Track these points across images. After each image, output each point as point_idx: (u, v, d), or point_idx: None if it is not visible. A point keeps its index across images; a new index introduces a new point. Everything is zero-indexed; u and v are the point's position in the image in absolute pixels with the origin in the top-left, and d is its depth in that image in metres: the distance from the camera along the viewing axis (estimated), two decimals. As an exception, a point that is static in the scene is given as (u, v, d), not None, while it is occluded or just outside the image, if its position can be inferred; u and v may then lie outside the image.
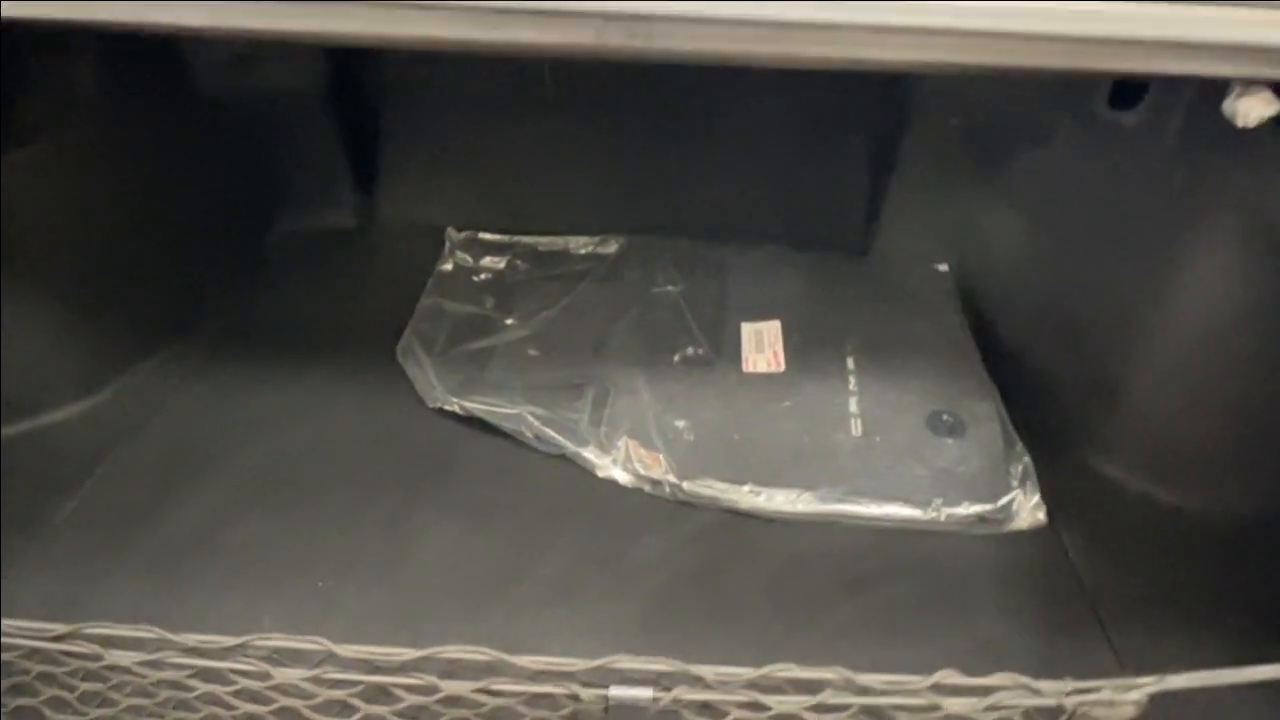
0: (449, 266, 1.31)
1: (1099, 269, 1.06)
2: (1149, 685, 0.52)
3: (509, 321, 1.21)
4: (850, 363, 1.12)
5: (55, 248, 1.03)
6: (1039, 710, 0.53)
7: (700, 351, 1.15)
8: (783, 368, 1.11)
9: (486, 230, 1.37)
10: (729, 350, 1.15)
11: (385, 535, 0.94)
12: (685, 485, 0.98)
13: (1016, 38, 0.49)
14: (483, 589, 0.88)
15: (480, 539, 0.94)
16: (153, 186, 1.12)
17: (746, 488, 0.98)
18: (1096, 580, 0.92)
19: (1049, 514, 0.98)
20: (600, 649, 0.82)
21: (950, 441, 1.02)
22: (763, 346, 1.14)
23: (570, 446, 1.02)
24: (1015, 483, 1.00)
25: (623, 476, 1.00)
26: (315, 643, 0.53)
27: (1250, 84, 0.53)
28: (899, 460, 1.01)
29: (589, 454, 1.01)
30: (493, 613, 0.86)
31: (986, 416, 1.05)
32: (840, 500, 0.97)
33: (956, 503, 0.97)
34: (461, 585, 0.89)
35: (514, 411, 1.05)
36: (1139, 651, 0.85)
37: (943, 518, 0.96)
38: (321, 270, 1.32)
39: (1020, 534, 0.97)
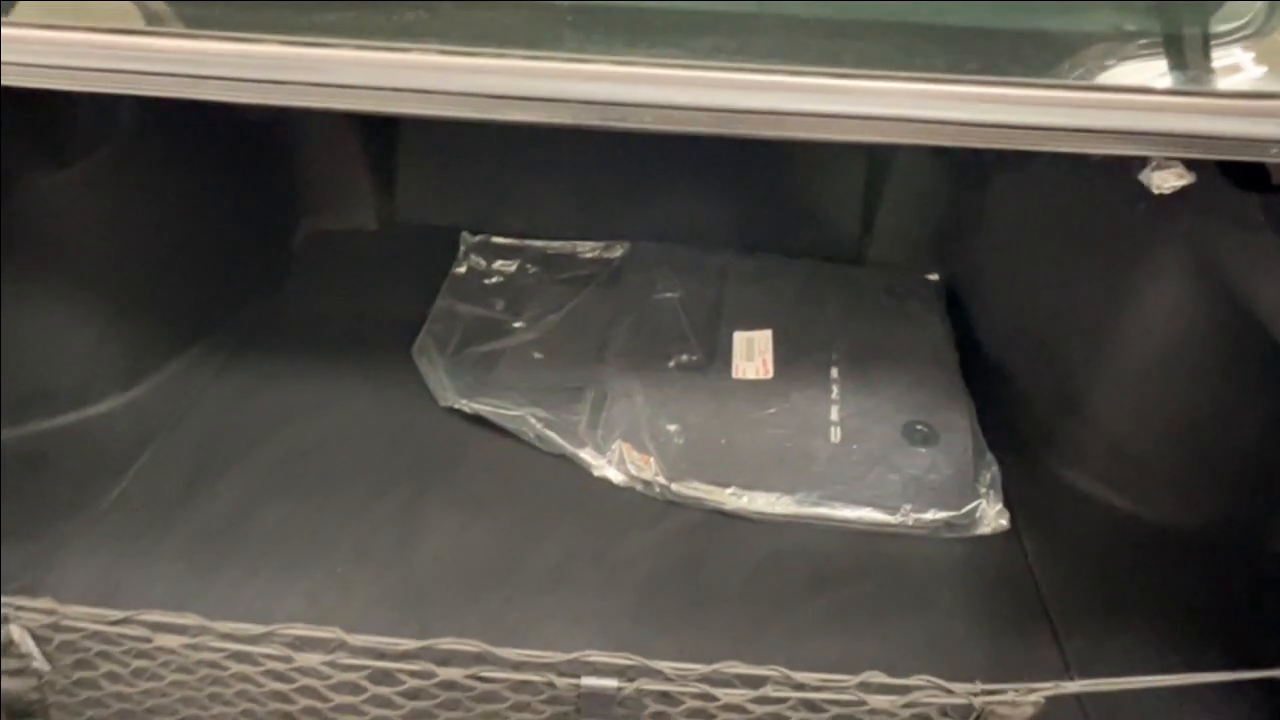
0: (463, 269, 1.39)
1: (1068, 289, 1.12)
2: (1046, 690, 0.59)
3: (517, 324, 1.29)
4: (834, 372, 1.20)
5: (98, 255, 1.12)
6: (953, 708, 0.60)
7: (694, 357, 1.22)
8: (770, 375, 1.19)
9: (499, 234, 1.45)
10: (721, 356, 1.23)
11: (397, 525, 1.03)
12: (673, 486, 1.07)
13: (945, 124, 0.55)
14: (484, 576, 0.98)
15: (483, 530, 1.03)
16: (187, 196, 1.21)
17: (730, 490, 1.06)
18: (1052, 584, 1.00)
19: (1012, 520, 1.05)
20: (588, 634, 0.92)
21: (923, 450, 1.10)
22: (753, 354, 1.22)
23: (569, 447, 1.10)
24: (982, 490, 1.07)
25: (616, 476, 1.09)
26: (330, 632, 0.62)
27: (1164, 159, 0.59)
28: (873, 467, 1.08)
29: (586, 455, 1.10)
30: (492, 598, 0.95)
31: (959, 427, 1.12)
32: (816, 504, 1.05)
33: (924, 509, 1.04)
34: (465, 572, 0.98)
35: (518, 413, 1.13)
36: (1085, 652, 0.93)
37: (910, 522, 1.04)
38: (344, 271, 1.41)
39: (984, 538, 1.04)
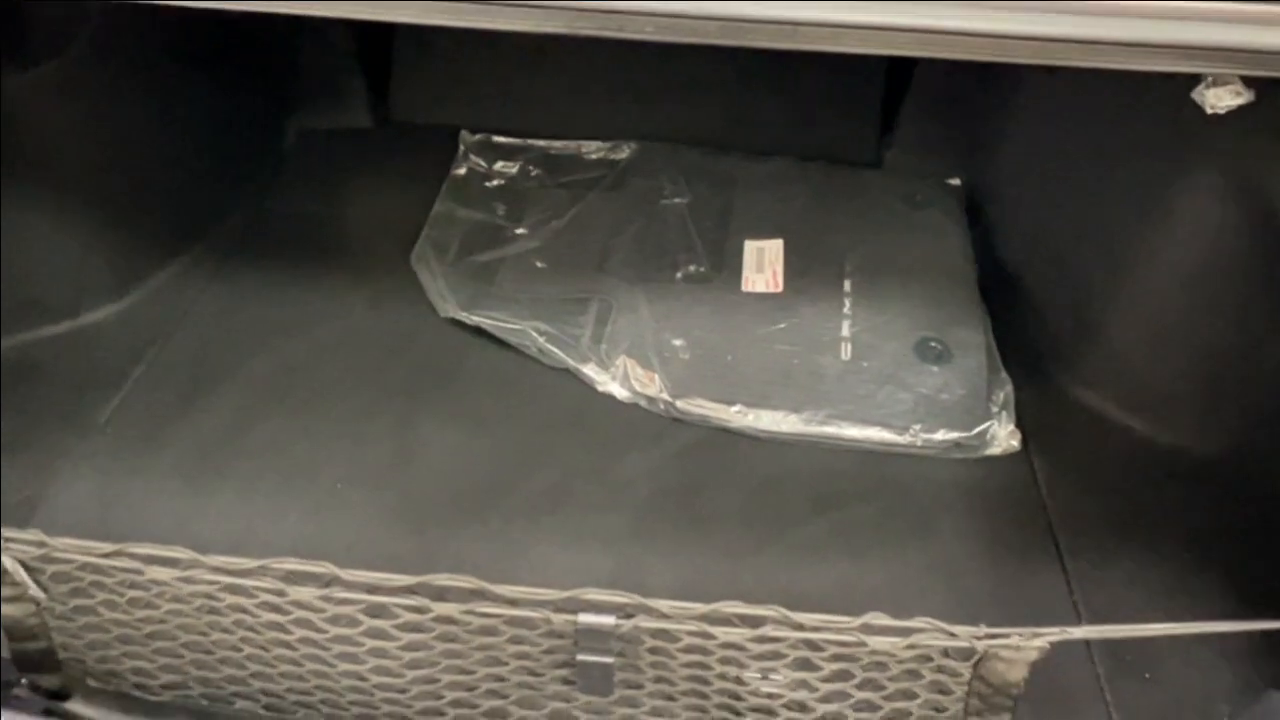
0: (462, 171, 1.33)
1: (1093, 204, 1.06)
2: (1052, 635, 0.58)
3: (519, 231, 1.25)
4: (847, 285, 1.15)
5: (77, 159, 1.07)
6: (956, 650, 0.59)
7: (702, 269, 1.18)
8: (780, 289, 1.15)
9: (500, 133, 1.39)
10: (730, 267, 1.18)
11: (395, 440, 1.02)
12: (678, 403, 1.04)
13: (986, 37, 0.50)
14: (483, 494, 0.97)
15: (483, 447, 1.01)
16: (168, 95, 1.15)
17: (735, 408, 1.04)
18: (1061, 507, 0.98)
19: (1024, 441, 1.03)
20: (588, 555, 0.92)
21: (935, 369, 1.07)
22: (763, 266, 1.18)
23: (572, 362, 1.08)
24: (995, 410, 1.04)
25: (620, 392, 1.07)
26: (323, 567, 0.61)
27: (1220, 76, 0.53)
28: (883, 385, 1.05)
29: (589, 370, 1.07)
30: (491, 516, 0.95)
31: (974, 345, 1.09)
32: (823, 423, 1.03)
33: (934, 429, 1.02)
34: (464, 490, 0.97)
35: (520, 327, 1.10)
36: (1089, 577, 0.92)
37: (919, 443, 1.02)
38: (337, 172, 1.35)
39: (993, 460, 1.02)
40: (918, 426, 1.02)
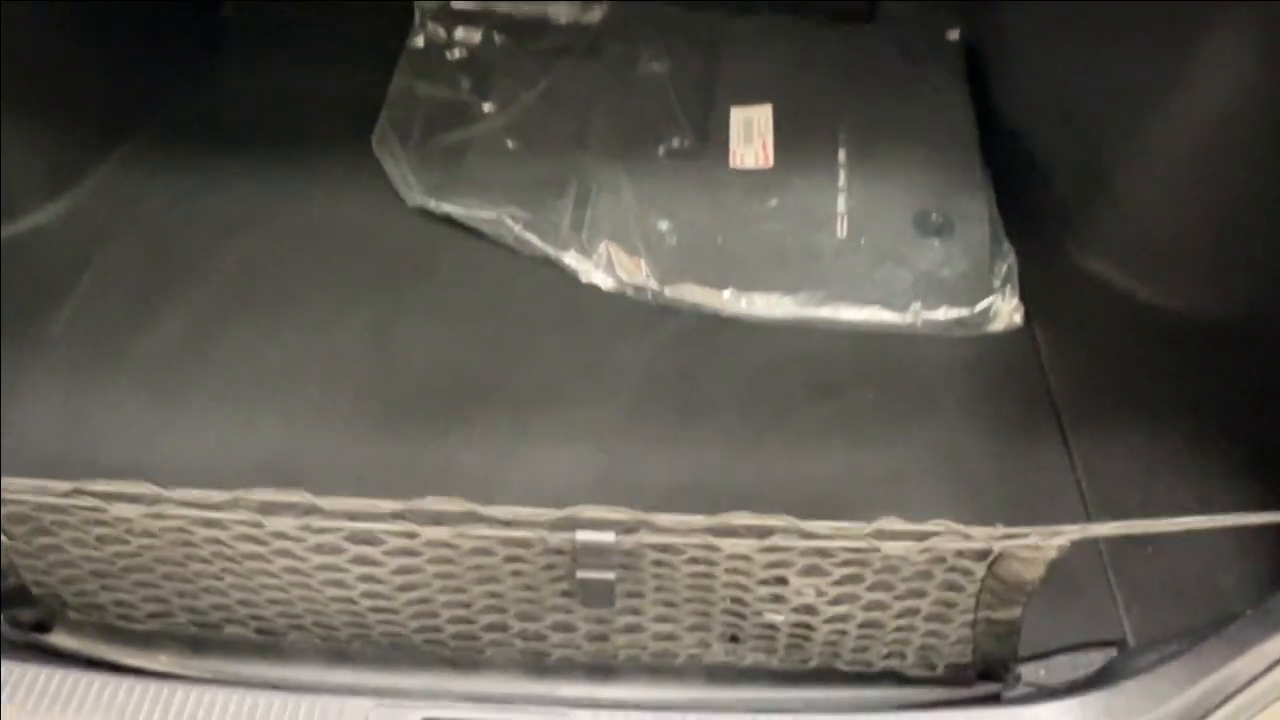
0: (420, 41, 1.22)
1: (1107, 52, 0.98)
2: (1071, 532, 0.56)
3: (486, 108, 1.15)
4: (841, 155, 1.08)
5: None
6: (970, 551, 0.57)
7: (686, 143, 1.10)
8: (771, 163, 1.08)
9: (458, -4, 1.26)
10: (716, 140, 1.10)
11: (370, 340, 0.97)
12: (667, 290, 0.99)
13: None
14: (467, 395, 0.92)
15: (462, 345, 0.96)
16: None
17: (727, 293, 0.99)
18: (1064, 383, 0.95)
19: (1026, 314, 0.99)
20: (579, 452, 0.88)
21: (936, 243, 1.01)
22: (751, 137, 1.10)
23: (551, 251, 1.01)
24: (997, 284, 1.00)
25: (605, 281, 1.01)
26: (299, 496, 0.57)
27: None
28: (881, 263, 1.00)
29: (570, 259, 1.01)
30: (477, 418, 0.91)
31: (976, 216, 1.03)
32: (819, 305, 0.98)
33: (935, 307, 0.98)
34: (446, 392, 0.93)
35: (494, 215, 1.03)
36: (1092, 453, 0.90)
37: (920, 323, 0.98)
38: (283, 46, 1.24)
39: (995, 336, 0.99)
40: (918, 305, 0.98)
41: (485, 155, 1.10)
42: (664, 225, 1.03)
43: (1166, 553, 0.83)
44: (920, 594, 0.61)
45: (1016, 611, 0.62)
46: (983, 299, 0.98)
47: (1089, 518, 0.86)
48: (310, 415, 0.91)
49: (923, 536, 0.56)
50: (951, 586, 0.61)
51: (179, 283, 1.00)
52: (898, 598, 0.62)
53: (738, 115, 1.12)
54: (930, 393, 0.95)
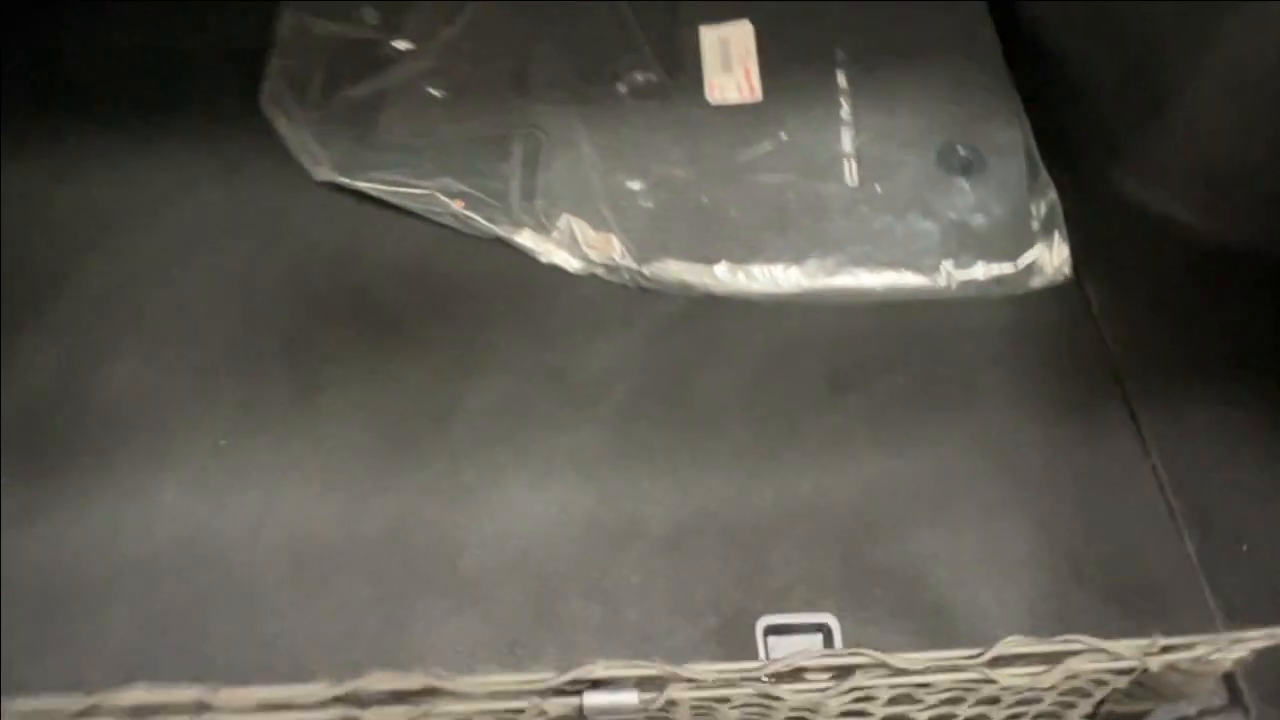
0: (308, -36, 0.98)
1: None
2: (1255, 639, 0.42)
3: (399, 45, 0.92)
4: (842, 79, 0.89)
5: None
6: (1114, 670, 0.43)
7: (652, 76, 0.90)
8: (758, 95, 0.88)
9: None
10: (689, 70, 0.90)
11: (288, 366, 0.77)
12: (646, 270, 0.81)
13: None
14: (416, 427, 0.75)
15: (403, 360, 0.78)
16: None
17: (719, 267, 0.81)
18: (1123, 344, 0.81)
19: (1074, 264, 0.83)
20: (560, 491, 0.72)
21: (966, 184, 0.84)
22: (730, 64, 0.90)
23: (500, 230, 0.82)
24: (1038, 227, 0.84)
25: (570, 263, 0.82)
26: (193, 691, 0.40)
27: None
28: (903, 215, 0.83)
29: (525, 239, 0.82)
30: (431, 456, 0.73)
31: (1011, 146, 0.85)
32: (832, 274, 0.81)
33: (969, 265, 0.81)
34: (389, 425, 0.75)
35: (424, 189, 0.83)
36: (1167, 433, 0.76)
37: (953, 286, 0.81)
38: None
39: (1040, 294, 0.83)
40: (949, 264, 0.81)
41: (405, 109, 0.88)
42: (635, 185, 0.84)
43: (1266, 550, 0.71)
44: (1032, 701, 0.48)
45: (1151, 707, 0.49)
46: (1025, 250, 0.82)
47: (1172, 512, 0.72)
48: (222, 471, 0.72)
49: (1051, 659, 0.42)
50: (1075, 692, 0.47)
51: (47, 300, 0.79)
52: (1006, 708, 0.48)
53: (710, 36, 0.91)
54: (970, 372, 0.79)
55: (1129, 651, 0.42)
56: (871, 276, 0.81)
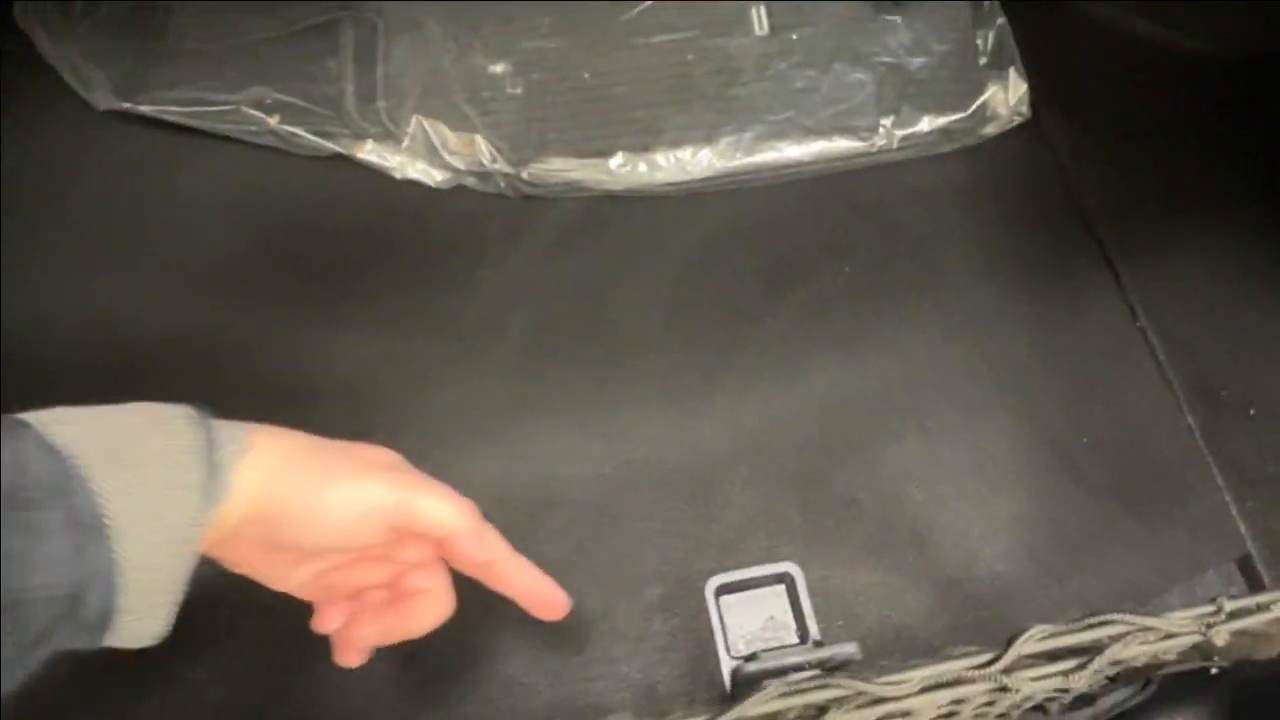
0: None
1: None
2: None
3: (182, -77, 0.73)
4: (737, -99, 0.72)
5: None
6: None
7: (503, -74, 0.72)
8: (636, -65, 0.71)
9: None
10: (548, -86, 0.72)
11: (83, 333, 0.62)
12: (525, 173, 0.66)
13: None
14: (269, 406, 0.60)
15: (243, 330, 0.62)
16: None
17: (614, 159, 0.66)
18: (1098, 190, 0.69)
19: (1033, 102, 0.70)
20: (456, 461, 0.59)
21: (897, 19, 0.69)
22: (599, -102, 0.72)
23: (336, 146, 0.66)
24: (987, 63, 0.70)
25: (431, 174, 0.66)
26: None
27: None
28: (827, 66, 0.68)
29: (370, 153, 0.66)
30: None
31: (946, -36, 0.71)
32: (750, 150, 0.67)
33: (912, 118, 0.68)
34: (238, 411, 0.60)
35: (230, 104, 0.66)
36: (1153, 289, 0.65)
37: (894, 144, 0.68)
38: None
39: (994, 141, 0.70)
40: (888, 121, 0.67)
41: (199, 8, 0.69)
42: (498, 68, 0.68)
43: (1274, 418, 0.61)
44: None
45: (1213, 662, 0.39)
46: (975, 92, 0.68)
47: (1168, 383, 0.62)
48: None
49: (1078, 657, 0.31)
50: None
51: None
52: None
53: None
54: (926, 247, 0.67)
55: (1184, 625, 0.31)
56: (798, 148, 0.67)
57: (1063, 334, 0.64)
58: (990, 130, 0.69)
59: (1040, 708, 0.41)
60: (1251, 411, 0.61)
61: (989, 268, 0.66)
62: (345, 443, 0.41)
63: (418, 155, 0.66)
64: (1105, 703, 0.39)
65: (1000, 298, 0.65)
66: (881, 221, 0.67)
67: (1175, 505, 0.59)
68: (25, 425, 0.31)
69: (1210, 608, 0.32)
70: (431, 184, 0.66)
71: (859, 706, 0.31)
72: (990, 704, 0.32)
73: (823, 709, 0.30)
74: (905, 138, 0.67)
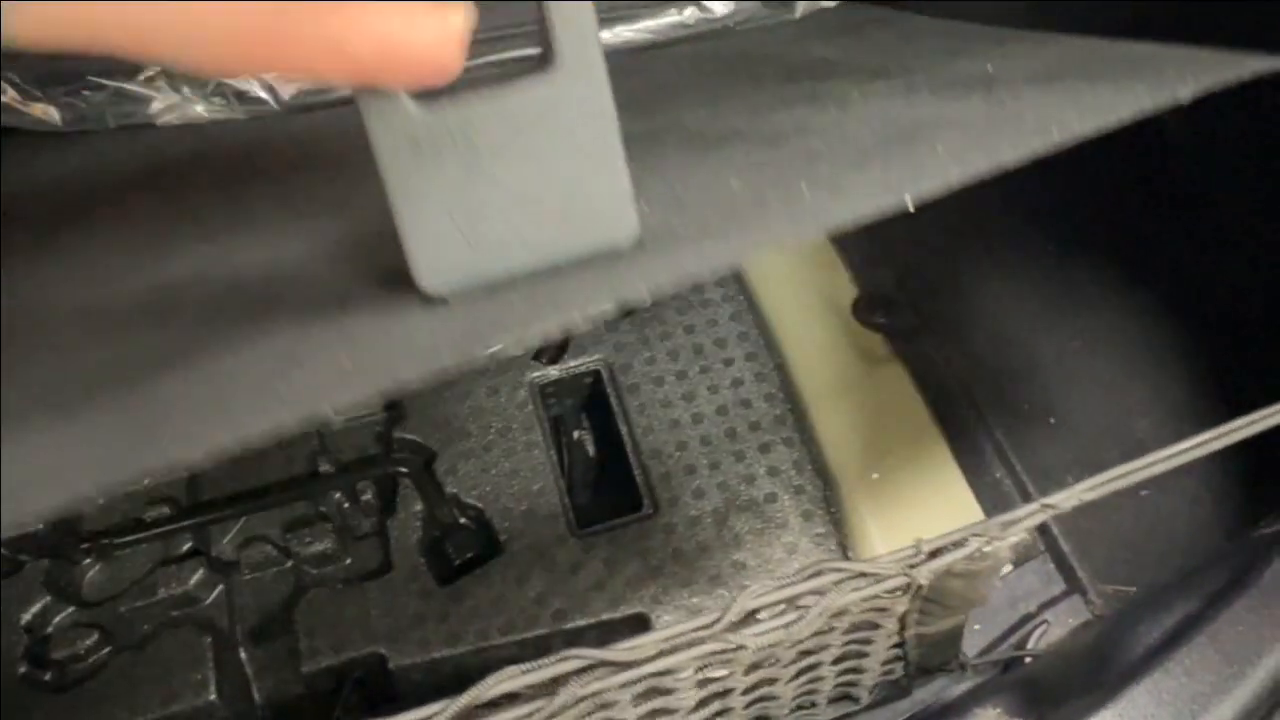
0: None
1: None
2: (1028, 515, 0.31)
3: None
4: None
5: None
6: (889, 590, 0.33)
7: None
8: None
9: None
10: None
11: None
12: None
13: None
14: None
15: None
16: None
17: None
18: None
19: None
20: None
21: None
22: None
23: (76, 102, 0.59)
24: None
25: (198, 108, 0.61)
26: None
27: None
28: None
29: (134, 93, 0.60)
30: None
31: None
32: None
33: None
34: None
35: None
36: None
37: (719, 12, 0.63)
38: None
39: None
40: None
41: None
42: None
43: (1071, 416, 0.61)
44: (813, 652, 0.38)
45: (960, 619, 0.40)
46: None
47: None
48: None
49: (789, 606, 0.31)
50: (861, 626, 0.37)
51: None
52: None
53: None
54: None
55: (889, 568, 0.31)
56: (630, 28, 0.62)
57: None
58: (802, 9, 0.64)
59: (849, 696, 0.42)
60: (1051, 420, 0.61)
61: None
62: None
63: (190, 99, 0.60)
64: (922, 694, 0.41)
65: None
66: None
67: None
68: None
69: (912, 550, 0.32)
70: (202, 118, 0.60)
71: (599, 679, 0.32)
72: (731, 666, 0.32)
73: (559, 680, 0.30)
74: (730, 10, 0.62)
